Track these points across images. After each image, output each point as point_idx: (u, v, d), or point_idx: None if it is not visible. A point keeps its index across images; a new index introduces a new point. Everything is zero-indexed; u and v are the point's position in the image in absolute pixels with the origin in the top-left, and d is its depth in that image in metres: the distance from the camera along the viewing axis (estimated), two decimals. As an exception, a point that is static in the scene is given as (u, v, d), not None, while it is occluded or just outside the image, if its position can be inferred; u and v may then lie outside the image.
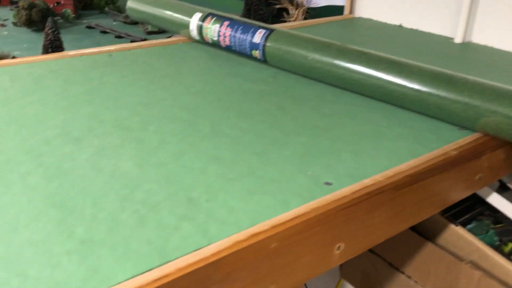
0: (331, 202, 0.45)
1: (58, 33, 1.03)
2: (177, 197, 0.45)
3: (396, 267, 0.74)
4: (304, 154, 0.54)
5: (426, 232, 0.70)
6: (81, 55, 0.86)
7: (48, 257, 0.37)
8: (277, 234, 0.41)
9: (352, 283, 0.84)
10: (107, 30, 1.49)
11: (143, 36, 1.43)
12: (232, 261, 0.39)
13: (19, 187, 0.46)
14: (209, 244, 0.39)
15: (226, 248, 0.39)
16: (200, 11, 0.89)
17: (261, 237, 0.40)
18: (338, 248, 0.47)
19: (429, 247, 0.68)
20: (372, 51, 0.69)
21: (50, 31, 1.04)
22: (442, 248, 0.67)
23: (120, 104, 0.66)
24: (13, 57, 1.10)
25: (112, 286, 0.34)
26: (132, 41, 1.32)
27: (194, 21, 0.90)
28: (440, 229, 0.68)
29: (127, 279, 0.35)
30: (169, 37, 1.16)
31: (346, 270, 0.84)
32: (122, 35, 1.44)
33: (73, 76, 0.76)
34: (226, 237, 0.40)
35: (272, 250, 0.41)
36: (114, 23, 1.59)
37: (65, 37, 1.09)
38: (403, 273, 0.73)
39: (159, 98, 0.69)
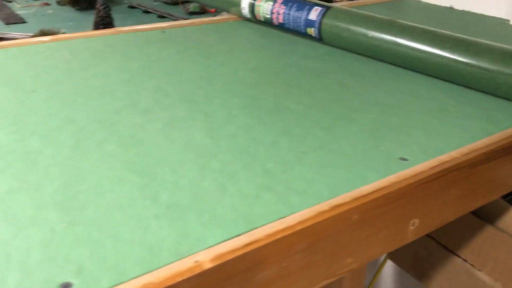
0: (410, 177, 0.44)
1: (109, 9, 1.04)
2: (253, 168, 0.45)
3: (451, 250, 0.73)
4: (374, 129, 0.53)
5: (484, 215, 0.69)
6: (135, 31, 0.87)
7: (137, 220, 0.37)
8: (359, 206, 0.41)
9: (401, 265, 0.84)
10: (150, 10, 1.50)
11: (186, 16, 1.43)
12: (316, 231, 0.39)
13: (98, 154, 0.46)
14: (292, 214, 0.39)
15: (309, 218, 0.38)
16: (252, -11, 0.91)
17: (344, 208, 0.40)
18: (413, 224, 0.47)
19: (488, 230, 0.67)
20: (436, 29, 0.67)
21: (101, 7, 1.05)
22: (503, 231, 0.66)
23: (181, 78, 0.66)
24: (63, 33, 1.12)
25: (204, 249, 0.35)
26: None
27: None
28: (500, 212, 0.67)
29: (218, 243, 0.35)
30: (215, 16, 1.15)
31: (395, 251, 0.83)
32: (164, 15, 1.43)
33: (130, 51, 0.77)
34: (308, 207, 0.40)
35: (353, 222, 0.41)
36: (155, 3, 1.59)
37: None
38: (458, 256, 0.72)
39: (218, 73, 0.69)
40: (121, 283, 0.32)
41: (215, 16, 1.25)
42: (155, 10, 1.42)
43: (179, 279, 0.32)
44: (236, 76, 0.68)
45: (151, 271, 0.33)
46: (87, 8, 1.40)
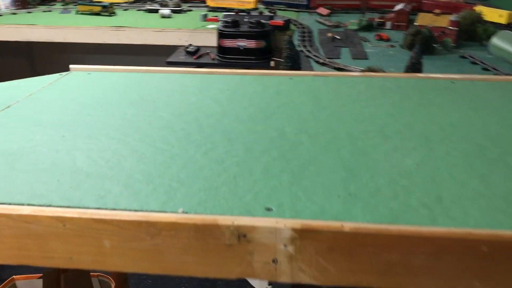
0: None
1: (421, 58, 1.26)
2: None
3: None
4: None
5: None
6: (426, 78, 0.93)
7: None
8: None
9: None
10: (477, 62, 1.54)
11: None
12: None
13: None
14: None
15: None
16: None
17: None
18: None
19: None
20: None
21: (414, 55, 1.28)
22: None
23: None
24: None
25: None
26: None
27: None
28: None
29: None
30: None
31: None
32: (489, 68, 1.43)
33: (407, 95, 0.84)
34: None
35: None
36: (489, 56, 1.59)
37: (435, 62, 1.46)
38: None
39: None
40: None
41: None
42: (482, 63, 1.48)
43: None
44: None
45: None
46: (424, 52, 1.45)
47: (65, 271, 1.07)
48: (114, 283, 1.33)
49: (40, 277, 1.29)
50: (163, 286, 2.29)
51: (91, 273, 1.26)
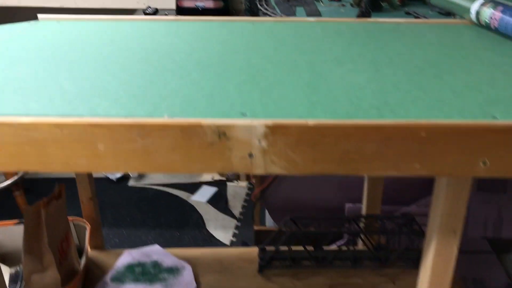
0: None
1: (370, 7, 1.52)
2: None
3: None
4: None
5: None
6: (377, 22, 1.15)
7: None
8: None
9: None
10: (420, 17, 1.69)
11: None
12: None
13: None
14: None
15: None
16: None
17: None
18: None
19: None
20: None
21: (364, 5, 1.56)
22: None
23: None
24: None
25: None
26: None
27: (475, 6, 1.02)
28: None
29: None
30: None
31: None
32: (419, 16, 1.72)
33: (361, 34, 0.99)
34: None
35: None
36: (431, 12, 1.79)
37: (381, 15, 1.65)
38: None
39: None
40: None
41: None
42: (425, 17, 1.67)
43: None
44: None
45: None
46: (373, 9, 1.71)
47: (45, 206, 1.12)
48: (89, 226, 1.39)
49: (16, 223, 1.34)
50: (130, 243, 2.35)
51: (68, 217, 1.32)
